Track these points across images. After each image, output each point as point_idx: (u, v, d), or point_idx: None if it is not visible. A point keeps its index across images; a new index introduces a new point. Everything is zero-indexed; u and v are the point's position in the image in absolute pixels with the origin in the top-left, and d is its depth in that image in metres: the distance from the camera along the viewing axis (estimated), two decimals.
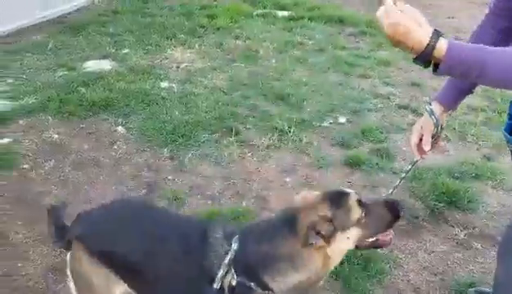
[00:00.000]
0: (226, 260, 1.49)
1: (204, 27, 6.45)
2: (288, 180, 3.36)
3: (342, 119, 4.20)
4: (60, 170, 3.36)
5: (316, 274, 1.52)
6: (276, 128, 3.93)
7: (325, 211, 1.48)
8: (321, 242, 1.45)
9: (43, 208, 2.89)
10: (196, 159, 3.58)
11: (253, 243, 1.53)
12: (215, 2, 7.59)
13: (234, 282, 1.47)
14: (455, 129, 4.06)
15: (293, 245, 1.48)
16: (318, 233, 1.44)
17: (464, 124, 4.15)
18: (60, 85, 4.51)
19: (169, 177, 3.37)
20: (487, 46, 1.26)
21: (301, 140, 3.80)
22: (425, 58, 1.23)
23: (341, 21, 6.91)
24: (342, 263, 2.48)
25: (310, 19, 6.88)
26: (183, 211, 2.95)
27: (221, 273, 1.48)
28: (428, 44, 1.21)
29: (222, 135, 3.91)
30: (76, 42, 5.76)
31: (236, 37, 6.14)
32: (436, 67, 1.24)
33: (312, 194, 1.59)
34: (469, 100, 4.18)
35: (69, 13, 6.96)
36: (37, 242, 2.68)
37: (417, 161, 1.88)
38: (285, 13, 7.24)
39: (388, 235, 1.61)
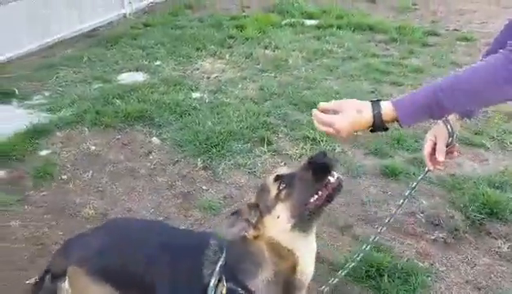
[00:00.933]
0: (217, 268, 1.51)
1: (233, 37, 6.52)
2: None
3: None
4: (97, 181, 3.44)
5: (280, 264, 1.45)
6: (308, 137, 3.91)
7: (252, 199, 1.50)
8: (251, 230, 1.43)
9: (83, 219, 3.01)
10: (230, 169, 3.60)
11: (233, 250, 1.53)
12: (244, 13, 7.68)
13: (224, 291, 1.47)
14: (494, 137, 3.94)
15: (246, 244, 1.48)
16: (248, 221, 1.44)
17: (504, 132, 4.02)
18: (95, 97, 4.63)
19: (204, 187, 3.40)
20: (437, 81, 1.34)
21: (334, 150, 3.77)
22: (382, 127, 1.34)
23: (370, 28, 6.85)
24: (382, 275, 2.47)
25: (339, 27, 6.85)
26: (218, 222, 2.95)
27: (213, 281, 1.50)
28: (373, 117, 1.32)
29: (255, 145, 3.91)
30: (110, 55, 5.93)
31: (265, 47, 6.18)
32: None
33: None
34: (507, 107, 4.11)
35: (102, 26, 7.16)
36: None
37: (428, 171, 1.76)
38: (314, 22, 7.24)
39: (328, 187, 1.41)
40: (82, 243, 1.72)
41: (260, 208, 1.45)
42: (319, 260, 2.63)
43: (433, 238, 2.83)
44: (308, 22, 7.24)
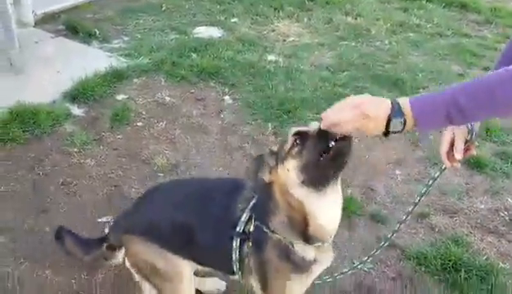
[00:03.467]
0: (249, 206, 1.62)
1: (313, 0, 6.23)
2: (398, 173, 3.16)
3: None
4: (170, 132, 3.46)
5: (291, 212, 1.49)
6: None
7: (276, 146, 1.53)
8: (266, 175, 1.49)
9: (155, 167, 3.06)
10: None
11: (262, 192, 1.59)
12: None
13: (252, 227, 1.58)
14: None
15: (268, 188, 1.54)
16: (268, 166, 1.49)
17: None
18: (172, 48, 4.62)
19: None
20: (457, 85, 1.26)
21: (415, 132, 3.54)
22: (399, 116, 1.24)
23: (462, 6, 6.29)
24: (458, 270, 2.31)
25: (428, 0, 6.36)
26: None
27: (244, 216, 1.61)
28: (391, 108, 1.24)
29: None
30: (187, 7, 5.85)
31: (347, 14, 5.85)
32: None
33: None
34: None
35: None
36: None
37: (445, 169, 1.68)
38: None
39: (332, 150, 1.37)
40: (129, 215, 1.87)
41: (278, 156, 1.49)
42: (390, 244, 2.54)
43: None
44: None
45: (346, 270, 2.02)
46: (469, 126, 1.53)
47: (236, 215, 1.63)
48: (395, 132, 1.27)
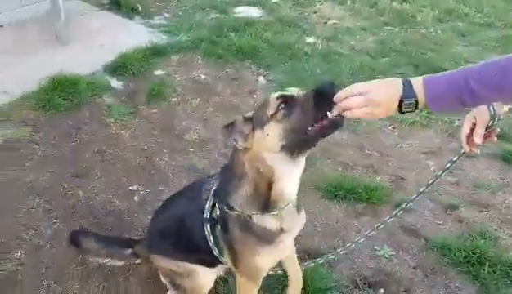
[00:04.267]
0: (210, 194, 1.69)
1: None
2: (431, 163, 3.07)
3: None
4: (203, 109, 3.51)
5: (258, 179, 1.49)
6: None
7: (251, 112, 1.49)
8: (240, 141, 1.45)
9: (186, 142, 3.12)
10: None
11: (223, 173, 1.67)
12: None
13: (218, 211, 1.64)
14: None
15: (232, 160, 1.57)
16: (241, 133, 1.46)
17: None
18: (211, 27, 4.65)
19: None
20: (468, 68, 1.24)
21: (452, 122, 3.42)
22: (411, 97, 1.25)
23: None
24: (482, 263, 2.24)
25: None
26: (313, 173, 2.86)
27: (207, 204, 1.69)
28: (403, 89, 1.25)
29: None
30: None
31: None
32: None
33: None
34: None
35: None
36: (176, 171, 2.87)
37: (463, 153, 1.64)
38: None
39: (326, 121, 1.34)
40: (149, 236, 2.07)
41: (253, 122, 1.45)
42: (415, 233, 2.50)
43: None
44: None
45: (349, 245, 2.10)
46: (492, 111, 1.48)
47: (203, 204, 1.71)
48: (408, 112, 1.27)
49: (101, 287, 2.14)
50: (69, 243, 2.19)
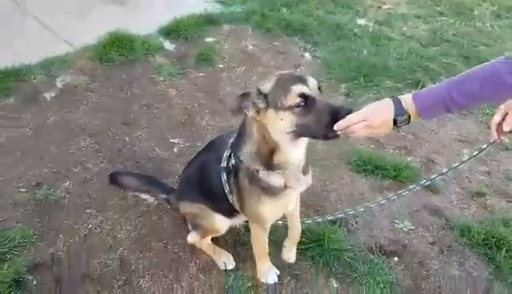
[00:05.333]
0: (229, 145, 1.85)
1: None
2: (465, 151, 3.07)
3: None
4: (247, 77, 3.65)
5: (264, 142, 1.66)
6: None
7: (266, 87, 1.57)
8: (252, 112, 1.58)
9: (227, 105, 3.28)
10: (371, 102, 3.48)
11: (240, 131, 1.79)
12: None
13: (233, 160, 1.80)
14: None
15: (244, 120, 1.72)
16: (253, 104, 1.57)
17: None
18: (265, 0, 4.75)
19: None
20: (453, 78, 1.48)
21: (493, 115, 3.36)
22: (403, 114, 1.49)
23: None
24: (499, 248, 2.28)
25: None
26: (344, 147, 2.94)
27: (226, 153, 1.86)
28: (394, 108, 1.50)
29: (406, 87, 3.70)
30: None
31: None
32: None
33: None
34: None
35: None
36: (216, 130, 3.04)
37: (493, 142, 1.74)
38: None
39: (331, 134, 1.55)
40: (182, 181, 2.31)
41: (269, 100, 1.56)
42: (437, 213, 2.55)
43: None
44: None
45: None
46: None
47: (223, 154, 1.88)
48: (403, 126, 1.52)
49: (137, 220, 2.36)
50: (110, 182, 2.46)
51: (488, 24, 4.85)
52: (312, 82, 1.57)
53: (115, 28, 3.67)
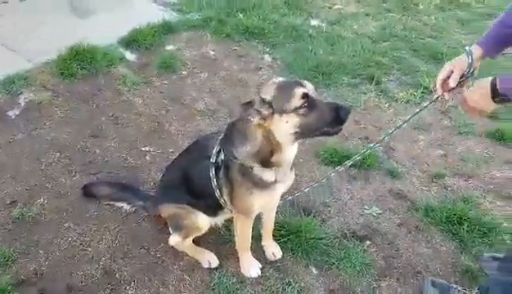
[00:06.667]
0: (218, 141, 1.95)
1: None
2: (421, 137, 3.29)
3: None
4: (211, 82, 3.73)
5: (268, 145, 1.75)
6: (421, 85, 3.80)
7: (269, 94, 1.67)
8: (257, 119, 1.68)
9: (195, 111, 3.34)
10: (332, 99, 3.66)
11: (233, 129, 1.88)
12: None
13: (223, 156, 1.90)
14: None
15: (241, 122, 1.78)
16: (257, 111, 1.67)
17: None
18: (221, 7, 4.84)
19: None
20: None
21: (446, 102, 3.63)
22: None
23: None
24: (461, 224, 2.48)
25: None
26: (314, 142, 3.07)
27: (215, 149, 1.94)
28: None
29: (362, 82, 3.91)
30: None
31: None
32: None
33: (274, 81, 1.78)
34: None
35: None
36: (186, 136, 3.10)
37: (437, 97, 1.86)
38: None
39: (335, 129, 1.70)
40: (159, 191, 2.39)
41: (273, 106, 1.66)
42: (402, 196, 2.73)
43: None
44: None
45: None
46: (470, 60, 1.70)
47: (211, 150, 1.97)
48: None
49: (117, 229, 2.38)
50: (84, 194, 2.48)
51: (433, 18, 5.17)
52: (310, 85, 1.72)
53: (75, 42, 3.64)
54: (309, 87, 1.70)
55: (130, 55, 3.88)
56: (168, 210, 2.24)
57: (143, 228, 2.41)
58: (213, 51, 4.16)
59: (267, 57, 4.21)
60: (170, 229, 2.30)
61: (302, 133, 1.70)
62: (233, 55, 4.17)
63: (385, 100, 3.68)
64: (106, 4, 4.37)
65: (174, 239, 2.24)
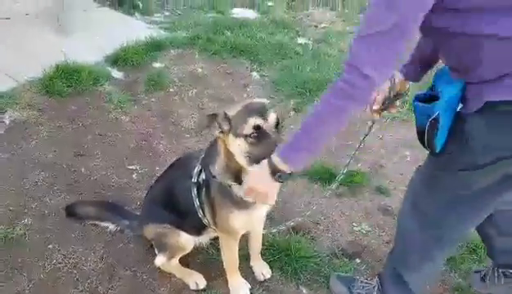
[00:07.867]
0: (199, 161, 1.96)
1: None
2: (408, 153, 3.32)
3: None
4: (199, 99, 3.74)
5: (230, 161, 1.75)
6: (407, 101, 3.83)
7: (231, 112, 1.69)
8: (217, 131, 1.71)
9: (182, 128, 3.33)
10: None
11: (211, 148, 1.90)
12: None
13: (203, 175, 1.91)
14: None
15: (215, 140, 1.83)
16: (218, 124, 1.69)
17: None
18: (208, 25, 4.89)
19: (291, 126, 3.53)
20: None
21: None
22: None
23: None
24: None
25: None
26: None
27: (196, 169, 1.95)
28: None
29: None
30: None
31: None
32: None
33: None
34: None
35: None
36: (173, 153, 3.07)
37: (374, 122, 1.95)
38: None
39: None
40: (143, 211, 2.36)
41: (231, 124, 1.68)
42: (390, 213, 2.74)
43: None
44: None
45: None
46: (391, 84, 1.77)
47: (192, 170, 1.97)
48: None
49: (102, 250, 2.33)
50: (67, 215, 2.43)
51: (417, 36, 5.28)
52: (272, 117, 1.68)
53: (60, 60, 3.61)
54: (270, 120, 1.67)
55: (117, 73, 3.87)
56: (151, 230, 2.20)
57: (130, 248, 2.37)
58: (200, 68, 4.18)
59: (255, 74, 4.24)
60: (156, 250, 2.26)
61: (253, 159, 1.66)
62: (221, 72, 4.19)
63: (371, 119, 3.71)
64: (93, 22, 4.38)
65: (160, 260, 2.20)
